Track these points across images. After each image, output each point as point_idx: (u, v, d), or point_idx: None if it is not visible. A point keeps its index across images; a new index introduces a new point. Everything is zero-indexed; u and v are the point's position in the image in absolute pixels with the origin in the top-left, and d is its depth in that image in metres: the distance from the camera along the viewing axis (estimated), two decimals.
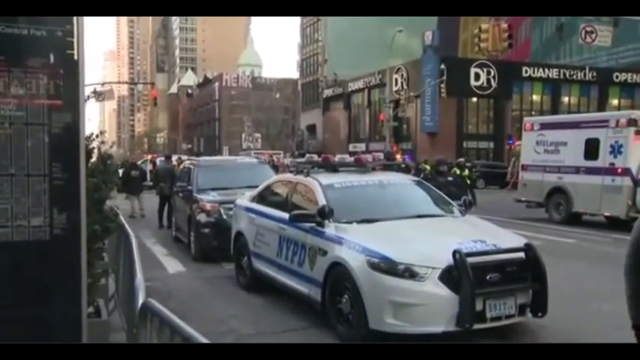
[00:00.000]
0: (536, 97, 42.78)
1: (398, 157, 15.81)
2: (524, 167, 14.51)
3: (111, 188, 4.70)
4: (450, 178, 8.82)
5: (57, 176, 2.94)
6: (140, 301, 2.53)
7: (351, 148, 49.67)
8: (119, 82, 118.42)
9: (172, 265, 8.49)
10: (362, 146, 47.95)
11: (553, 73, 41.88)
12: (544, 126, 14.15)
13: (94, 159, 4.59)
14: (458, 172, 11.11)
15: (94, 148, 4.52)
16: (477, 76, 39.74)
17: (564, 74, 42.01)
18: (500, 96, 40.08)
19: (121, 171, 16.08)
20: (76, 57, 2.98)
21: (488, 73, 39.69)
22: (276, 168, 11.35)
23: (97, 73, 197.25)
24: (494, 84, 39.62)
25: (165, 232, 11.83)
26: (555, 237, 10.95)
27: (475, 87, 39.75)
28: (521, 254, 4.74)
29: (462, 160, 16.44)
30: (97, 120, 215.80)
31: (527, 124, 14.72)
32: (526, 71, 41.27)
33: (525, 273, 4.70)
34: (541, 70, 41.76)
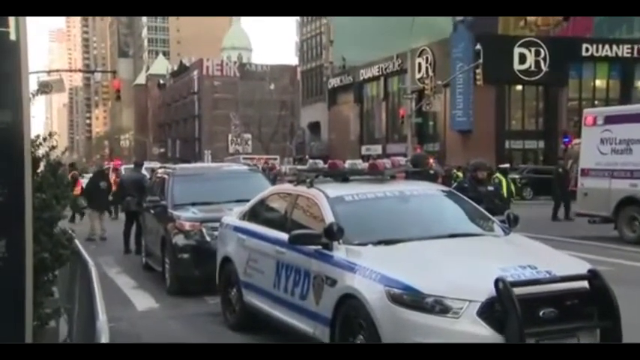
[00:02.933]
0: (600, 83, 42.62)
1: (431, 161, 15.70)
2: (585, 172, 14.46)
3: (64, 205, 4.71)
4: (491, 188, 8.77)
5: None
6: None
7: (363, 150, 49.79)
8: (71, 70, 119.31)
9: (142, 301, 8.50)
10: (377, 148, 48.04)
11: (623, 51, 41.52)
12: (611, 119, 14.09)
13: (41, 168, 4.59)
14: (502, 180, 11.19)
15: (42, 155, 4.53)
16: (523, 58, 39.75)
17: (639, 51, 41.76)
18: (553, 82, 40.04)
19: (82, 181, 16.10)
20: (13, 36, 2.97)
21: (537, 53, 39.69)
22: (273, 178, 11.48)
23: (42, 58, 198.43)
24: (544, 67, 39.61)
25: (133, 259, 11.85)
26: (629, 261, 10.89)
27: (520, 72, 39.76)
28: (584, 283, 4.71)
29: (506, 165, 16.44)
30: (42, 117, 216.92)
31: (589, 118, 14.69)
32: (587, 49, 41.09)
33: (590, 307, 4.66)
34: (607, 47, 41.46)
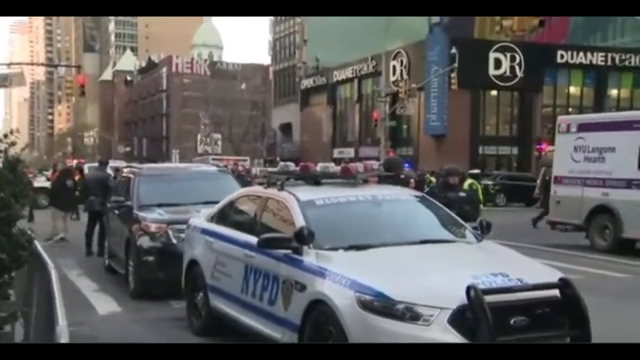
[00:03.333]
0: (574, 90, 43.46)
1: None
2: (558, 180, 14.67)
3: (24, 204, 4.63)
4: (462, 194, 8.88)
5: None
6: None
7: (336, 153, 49.94)
8: (32, 64, 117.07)
9: (104, 305, 8.41)
10: (350, 151, 48.24)
11: (598, 59, 42.42)
12: (585, 126, 14.29)
13: None
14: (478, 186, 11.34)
15: (0, 151, 4.46)
16: (498, 63, 40.33)
17: (613, 59, 42.47)
18: (528, 88, 40.72)
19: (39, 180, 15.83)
20: None
21: (513, 58, 40.31)
22: (242, 179, 11.48)
23: (1, 50, 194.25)
24: (519, 73, 40.26)
25: (96, 261, 11.71)
26: (600, 270, 11.05)
27: (495, 77, 40.33)
28: (556, 292, 4.78)
29: (477, 171, 16.62)
30: (1, 112, 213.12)
31: (563, 125, 14.89)
32: (562, 56, 41.92)
33: (561, 316, 4.73)
34: (582, 54, 42.36)
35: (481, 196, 11.68)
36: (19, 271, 4.93)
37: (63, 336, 2.65)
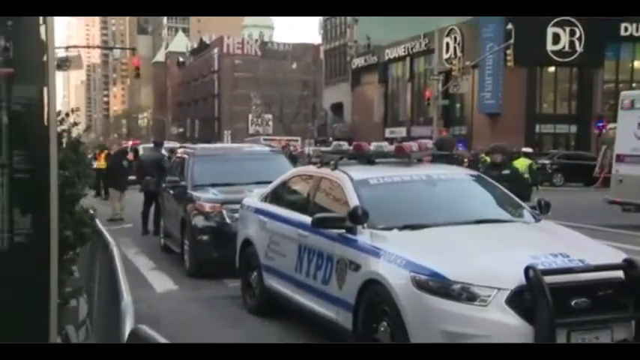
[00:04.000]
0: (638, 64, 41.84)
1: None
2: (620, 158, 14.32)
3: (85, 183, 4.79)
4: (506, 171, 8.87)
5: (19, 167, 2.99)
6: (127, 328, 2.58)
7: (387, 133, 49.57)
8: (88, 47, 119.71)
9: (160, 283, 8.64)
10: (402, 131, 47.82)
11: None
12: None
13: (62, 145, 4.67)
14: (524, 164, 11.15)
15: (64, 131, 4.61)
16: (557, 38, 39.16)
17: None
18: (588, 63, 39.43)
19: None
20: None
21: (572, 33, 39.04)
22: (293, 158, 11.55)
23: (59, 35, 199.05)
24: (579, 48, 39.00)
25: (152, 240, 12.01)
26: None
27: (553, 52, 39.20)
28: (619, 273, 4.67)
29: (529, 150, 16.26)
30: (60, 94, 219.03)
31: (626, 101, 14.51)
32: (626, 29, 40.24)
33: (625, 298, 4.63)
34: None
35: (537, 177, 11.52)
36: (82, 248, 5.11)
37: (128, 312, 2.75)
